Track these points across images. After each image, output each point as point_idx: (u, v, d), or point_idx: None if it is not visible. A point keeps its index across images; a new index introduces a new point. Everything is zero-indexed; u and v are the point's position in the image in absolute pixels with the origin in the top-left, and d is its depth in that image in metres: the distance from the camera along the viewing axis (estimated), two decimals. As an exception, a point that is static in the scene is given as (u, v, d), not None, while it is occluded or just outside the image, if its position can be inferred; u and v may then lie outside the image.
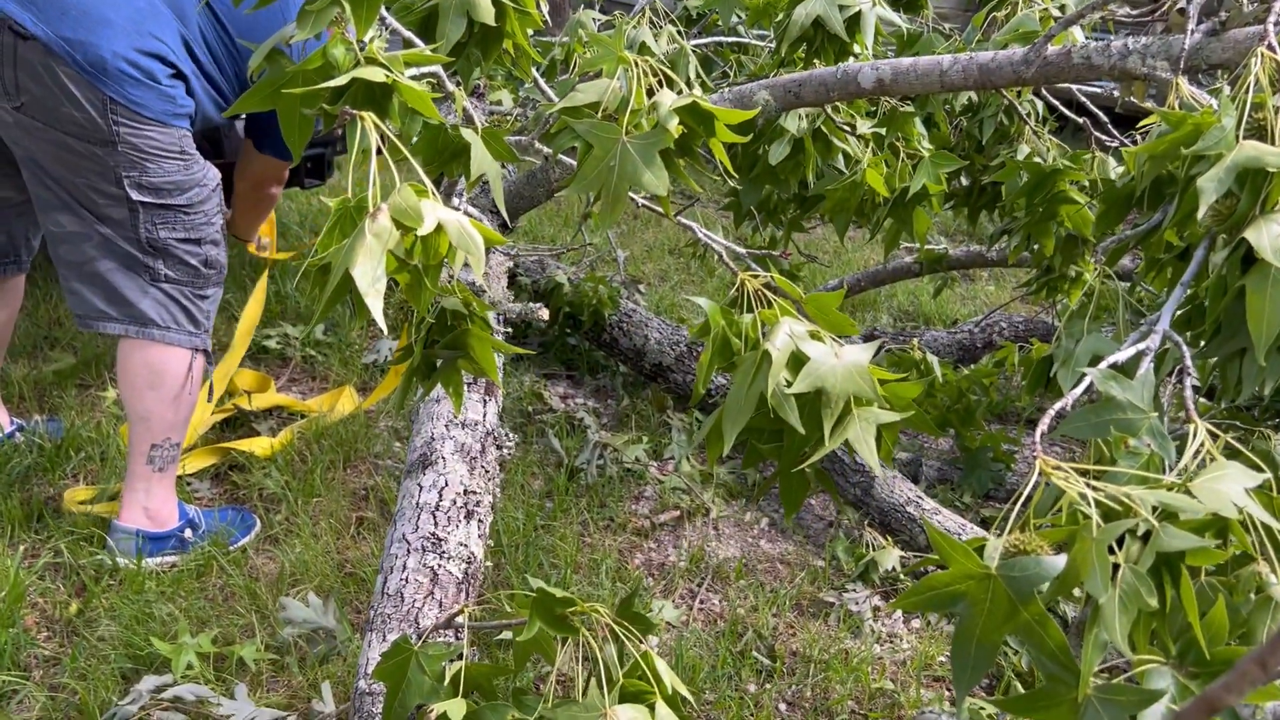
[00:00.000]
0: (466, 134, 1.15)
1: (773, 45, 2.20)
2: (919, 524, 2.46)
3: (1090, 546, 0.79)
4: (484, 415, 1.62)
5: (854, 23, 1.82)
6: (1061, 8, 1.87)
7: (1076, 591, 0.87)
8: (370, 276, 0.83)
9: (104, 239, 1.95)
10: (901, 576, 2.36)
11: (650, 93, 1.13)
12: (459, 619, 1.15)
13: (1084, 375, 0.98)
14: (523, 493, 2.51)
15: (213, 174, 2.05)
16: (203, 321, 2.08)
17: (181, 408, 2.08)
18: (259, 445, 2.48)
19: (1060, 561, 0.80)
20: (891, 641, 2.20)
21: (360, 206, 0.90)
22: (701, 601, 2.27)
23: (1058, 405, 0.94)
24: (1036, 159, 1.92)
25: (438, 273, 0.97)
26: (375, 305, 0.83)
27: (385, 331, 0.87)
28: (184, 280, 2.03)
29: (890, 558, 2.37)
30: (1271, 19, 1.18)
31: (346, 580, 2.12)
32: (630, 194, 1.18)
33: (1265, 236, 1.02)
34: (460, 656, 1.10)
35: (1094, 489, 0.84)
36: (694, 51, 1.90)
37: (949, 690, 2.10)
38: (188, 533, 2.13)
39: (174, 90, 1.91)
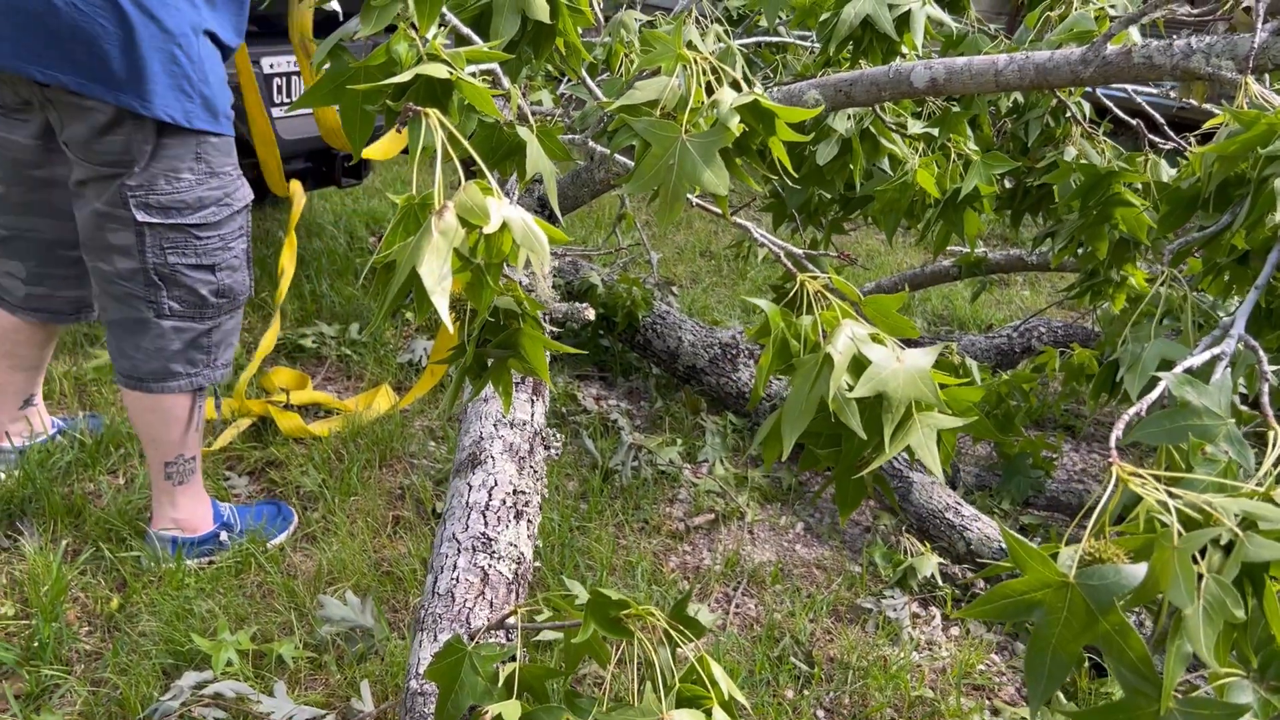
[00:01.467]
0: (522, 132, 1.15)
1: (816, 46, 2.18)
2: (957, 530, 2.43)
3: (1172, 555, 0.77)
4: (532, 415, 1.61)
5: (903, 22, 1.80)
6: (1114, 6, 1.84)
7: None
8: (437, 274, 0.82)
9: (107, 276, 1.83)
10: (940, 583, 2.33)
11: (709, 90, 1.12)
12: (511, 619, 1.14)
13: (1154, 380, 0.96)
14: (558, 494, 2.50)
15: (240, 193, 1.90)
16: (200, 358, 1.94)
17: (189, 431, 2.00)
18: (322, 428, 2.54)
19: (1141, 570, 0.78)
20: (930, 649, 2.18)
21: (425, 203, 0.89)
22: (737, 606, 2.25)
23: (1130, 411, 0.92)
24: (1086, 161, 1.89)
25: (499, 271, 0.96)
26: (441, 303, 0.82)
27: (450, 328, 0.86)
28: (188, 314, 1.88)
29: (928, 564, 2.34)
30: (1344, 18, 1.15)
31: (384, 579, 2.12)
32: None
33: (1343, 240, 1.00)
34: (513, 658, 1.09)
35: (1173, 496, 0.82)
36: (740, 51, 1.88)
37: (990, 699, 2.07)
38: (224, 535, 2.13)
39: (198, 78, 1.72)
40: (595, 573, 2.23)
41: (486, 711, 1.02)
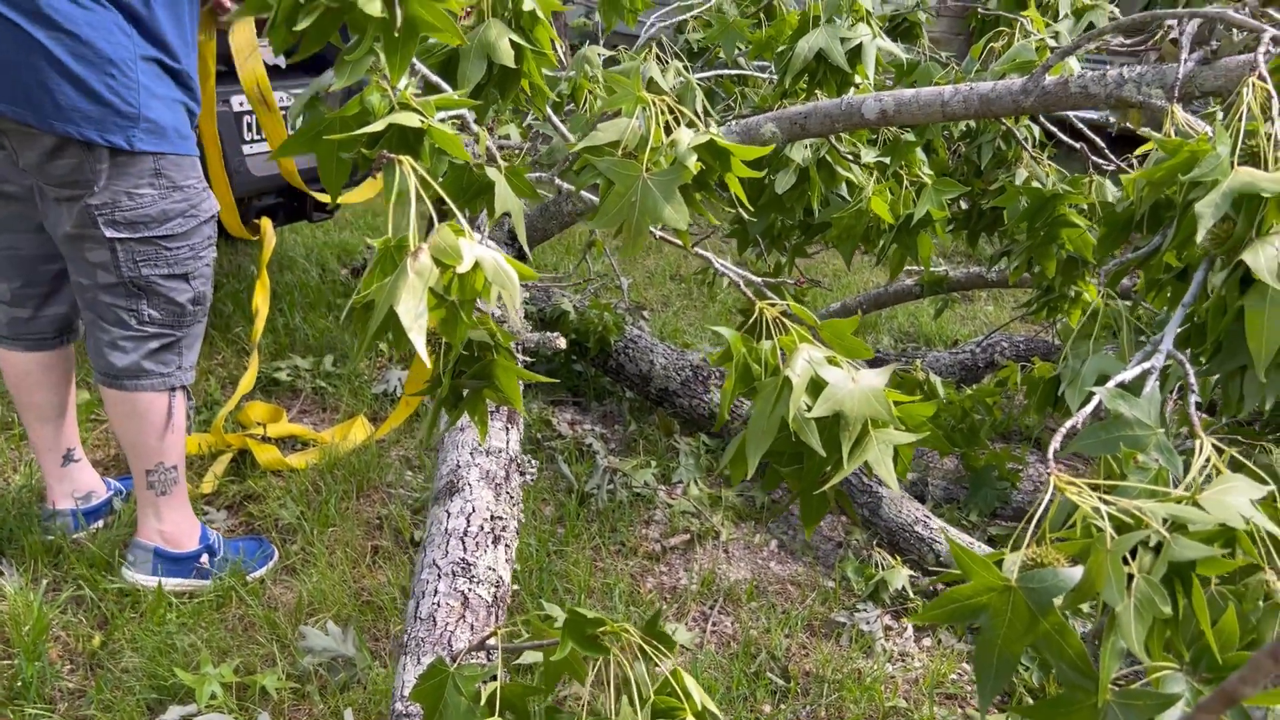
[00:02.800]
0: (491, 172, 1.20)
1: (774, 77, 2.25)
2: (927, 543, 2.49)
3: (1105, 558, 0.83)
4: (507, 443, 1.66)
5: (855, 54, 1.87)
6: (1055, 36, 1.93)
7: (1085, 607, 0.90)
8: (413, 312, 0.87)
9: (89, 289, 1.91)
10: (912, 595, 2.39)
11: (667, 130, 1.18)
12: (491, 641, 1.18)
13: (1092, 394, 1.03)
14: (535, 519, 2.54)
15: (206, 205, 1.96)
16: (173, 359, 2.01)
17: (167, 436, 2.05)
18: (299, 460, 2.55)
19: (1077, 573, 0.84)
20: (903, 660, 2.23)
21: (401, 246, 0.94)
22: (714, 624, 2.29)
23: (1068, 424, 0.98)
24: (1035, 183, 1.98)
25: (472, 307, 1.01)
26: (418, 340, 0.87)
27: (428, 363, 0.91)
28: (168, 322, 1.96)
29: (899, 577, 2.40)
30: (1262, 49, 1.23)
31: (364, 608, 2.15)
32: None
33: (1262, 258, 1.07)
34: (494, 677, 1.13)
35: (1106, 503, 0.88)
36: (698, 85, 1.95)
37: (962, 707, 2.12)
38: (204, 559, 2.15)
39: (138, 104, 1.76)
40: (573, 596, 2.26)
41: (469, 730, 1.06)
